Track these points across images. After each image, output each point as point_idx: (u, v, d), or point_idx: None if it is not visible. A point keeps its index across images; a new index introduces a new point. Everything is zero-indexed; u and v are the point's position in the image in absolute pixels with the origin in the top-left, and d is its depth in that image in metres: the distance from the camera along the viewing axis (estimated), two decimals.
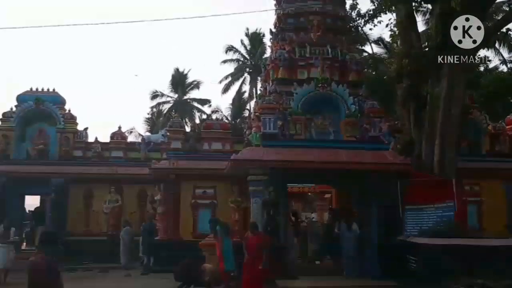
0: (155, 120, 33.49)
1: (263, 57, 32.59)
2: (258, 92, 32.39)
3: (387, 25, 13.68)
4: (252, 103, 32.44)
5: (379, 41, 23.85)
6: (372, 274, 10.73)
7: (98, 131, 21.59)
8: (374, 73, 20.93)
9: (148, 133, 27.27)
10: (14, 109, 15.58)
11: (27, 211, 18.25)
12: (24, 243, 15.80)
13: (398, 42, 13.66)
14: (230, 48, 33.39)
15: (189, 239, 12.95)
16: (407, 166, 10.93)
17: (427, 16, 19.83)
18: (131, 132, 29.33)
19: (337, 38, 13.00)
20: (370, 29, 18.52)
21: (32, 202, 18.70)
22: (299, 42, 12.67)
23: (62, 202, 14.71)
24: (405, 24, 11.65)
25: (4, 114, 15.53)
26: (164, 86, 34.82)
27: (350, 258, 10.98)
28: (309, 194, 22.52)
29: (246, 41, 33.79)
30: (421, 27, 17.26)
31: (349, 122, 11.68)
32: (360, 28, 18.99)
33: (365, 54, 22.57)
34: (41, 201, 18.67)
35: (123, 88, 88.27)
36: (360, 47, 21.95)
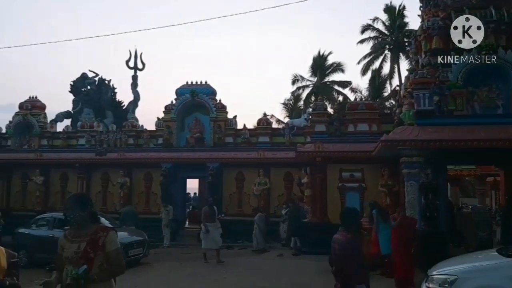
0: (293, 105, 33.99)
1: (404, 30, 30.35)
2: (402, 68, 30.38)
3: None
4: (394, 80, 30.60)
5: None
6: None
7: (241, 118, 22.89)
8: None
9: (287, 118, 27.87)
10: (174, 102, 17.38)
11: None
12: (187, 222, 17.71)
13: None
14: (367, 27, 31.77)
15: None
16: None
17: None
18: (271, 116, 30.28)
19: None
20: None
21: (190, 185, 20.85)
22: (455, 6, 11.27)
23: (217, 184, 15.97)
24: None
25: (166, 107, 17.44)
26: (304, 70, 34.94)
27: None
28: (466, 178, 20.41)
29: (383, 17, 31.78)
30: None
31: None
32: None
33: None
34: (200, 184, 20.73)
35: (261, 76, 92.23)
36: None
